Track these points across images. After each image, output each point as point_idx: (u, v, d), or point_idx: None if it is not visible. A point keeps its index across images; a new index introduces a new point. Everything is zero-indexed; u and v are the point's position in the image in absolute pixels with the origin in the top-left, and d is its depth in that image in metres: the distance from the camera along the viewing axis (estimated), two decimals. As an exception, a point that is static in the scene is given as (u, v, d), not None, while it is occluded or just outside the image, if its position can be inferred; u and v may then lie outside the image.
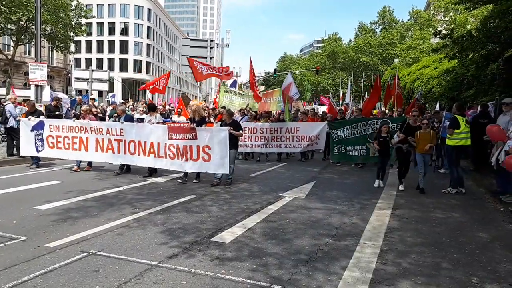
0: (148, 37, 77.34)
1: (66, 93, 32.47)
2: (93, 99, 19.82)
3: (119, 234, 5.23)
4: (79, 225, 5.60)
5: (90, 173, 10.14)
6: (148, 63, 77.94)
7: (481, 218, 6.69)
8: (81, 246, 4.73)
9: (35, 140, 10.52)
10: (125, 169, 10.35)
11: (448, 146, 8.77)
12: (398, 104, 16.02)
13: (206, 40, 19.37)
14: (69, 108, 16.40)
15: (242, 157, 13.93)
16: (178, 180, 9.10)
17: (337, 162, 13.08)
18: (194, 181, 9.22)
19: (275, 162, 13.38)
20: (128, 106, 21.03)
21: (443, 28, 23.08)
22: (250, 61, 16.63)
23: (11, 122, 11.69)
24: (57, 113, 12.52)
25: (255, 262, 4.41)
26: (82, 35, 39.07)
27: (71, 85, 33.67)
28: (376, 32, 68.83)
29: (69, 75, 44.41)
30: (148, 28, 77.36)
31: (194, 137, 8.88)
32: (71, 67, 46.00)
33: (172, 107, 22.80)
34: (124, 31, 75.07)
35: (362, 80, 63.43)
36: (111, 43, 74.75)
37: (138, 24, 75.57)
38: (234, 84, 27.16)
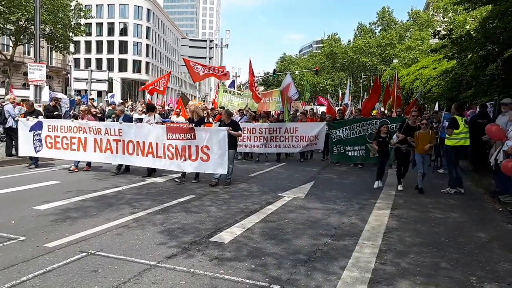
0: (147, 37, 77.34)
1: (65, 94, 32.46)
2: (92, 99, 19.81)
3: (118, 234, 5.23)
4: (78, 225, 5.59)
5: (89, 173, 10.13)
6: (147, 63, 77.94)
7: (480, 218, 6.69)
8: (80, 246, 4.73)
9: (34, 140, 10.50)
10: (124, 169, 10.34)
11: (447, 146, 8.78)
12: (397, 104, 16.02)
13: (205, 41, 19.41)
14: (68, 109, 16.39)
15: (241, 157, 13.93)
16: (176, 180, 9.10)
17: (336, 162, 13.10)
18: (193, 181, 9.21)
19: (274, 162, 13.38)
20: (127, 106, 21.01)
21: (442, 29, 23.11)
22: (250, 61, 16.60)
23: (10, 122, 11.67)
24: (55, 113, 12.52)
25: (254, 262, 4.41)
26: (81, 35, 39.06)
27: (70, 85, 33.69)
28: (375, 32, 68.95)
29: (68, 75, 44.44)
30: (147, 28, 77.36)
31: (192, 137, 8.88)
32: (70, 67, 46.04)
33: (171, 108, 22.80)
34: (123, 32, 75.06)
35: (361, 81, 63.49)
36: (110, 44, 74.73)
37: (137, 24, 75.57)
38: (232, 85, 27.20)
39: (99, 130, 9.90)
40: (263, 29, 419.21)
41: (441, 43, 16.08)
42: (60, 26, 32.31)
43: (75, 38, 38.92)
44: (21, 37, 32.34)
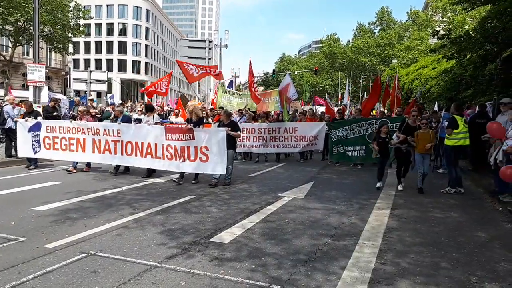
0: (146, 38, 77.35)
1: (65, 94, 32.48)
2: (92, 100, 19.83)
3: (118, 235, 5.23)
4: (78, 225, 5.59)
5: (89, 174, 10.12)
6: (146, 63, 77.94)
7: (479, 218, 6.70)
8: (80, 247, 4.72)
9: (32, 141, 10.49)
10: (124, 170, 10.34)
11: (447, 146, 8.78)
12: (397, 104, 16.01)
13: (205, 41, 19.45)
14: (68, 109, 16.38)
15: (241, 158, 13.93)
16: (174, 179, 9.08)
17: (335, 162, 13.11)
18: (193, 181, 9.21)
19: (274, 162, 13.38)
20: (127, 106, 21.00)
21: (441, 29, 23.15)
22: (250, 62, 16.58)
23: (9, 123, 11.67)
24: (55, 114, 12.50)
25: (254, 262, 4.41)
26: (81, 36, 39.09)
27: (70, 86, 33.64)
28: (375, 32, 68.95)
29: (68, 76, 44.39)
30: (147, 29, 77.37)
31: (191, 138, 8.87)
32: (70, 68, 45.98)
33: (170, 108, 22.80)
34: (123, 32, 75.07)
35: (360, 81, 63.51)
36: (110, 44, 74.72)
37: (137, 25, 75.58)
38: (231, 85, 27.24)
39: (98, 130, 9.89)
40: (262, 29, 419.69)
41: (440, 43, 16.09)
42: (59, 26, 32.30)
43: (74, 39, 38.91)
44: (20, 38, 32.33)
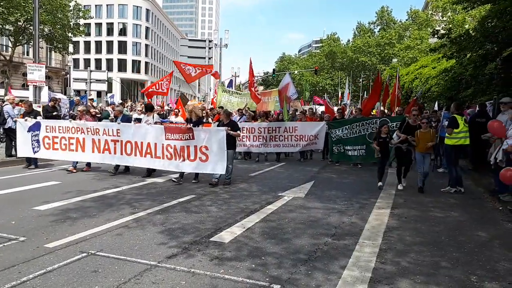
0: (146, 37, 77.33)
1: (65, 94, 32.48)
2: (92, 99, 19.82)
3: (118, 234, 5.23)
4: (78, 225, 5.59)
5: (89, 173, 10.13)
6: (146, 63, 77.94)
7: (480, 217, 6.70)
8: (80, 247, 4.73)
9: (32, 141, 10.48)
10: (124, 170, 10.34)
11: (447, 146, 8.78)
12: (397, 104, 16.00)
13: (205, 41, 19.42)
14: (68, 109, 16.37)
15: (241, 157, 13.93)
16: (173, 179, 9.07)
17: (336, 161, 13.10)
18: (193, 181, 9.21)
19: (274, 162, 13.38)
20: (127, 106, 21.01)
21: (441, 28, 23.14)
22: (250, 62, 16.56)
23: (10, 123, 11.68)
24: (54, 113, 12.49)
25: (254, 261, 4.41)
26: (81, 35, 39.07)
27: (70, 86, 33.63)
28: (375, 32, 68.95)
29: (68, 75, 44.39)
30: (147, 28, 77.36)
31: (191, 138, 8.87)
32: (70, 67, 45.96)
33: (170, 108, 22.80)
34: (123, 32, 75.05)
35: (360, 80, 63.52)
36: (110, 44, 74.72)
37: (137, 24, 75.56)
38: (231, 84, 27.25)
39: (97, 130, 9.89)
40: (262, 28, 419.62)
41: (440, 42, 16.08)
42: (59, 26, 32.29)
43: (74, 39, 38.92)
44: (20, 38, 32.32)
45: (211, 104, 20.97)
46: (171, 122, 12.44)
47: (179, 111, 14.34)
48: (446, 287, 3.92)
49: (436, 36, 15.09)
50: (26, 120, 10.56)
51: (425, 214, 6.80)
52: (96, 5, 72.59)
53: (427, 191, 8.54)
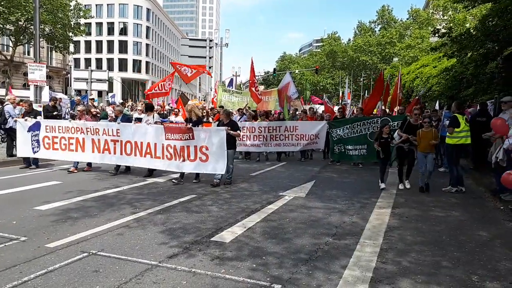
0: (147, 37, 77.34)
1: (66, 94, 32.51)
2: (93, 99, 19.83)
3: (119, 234, 5.24)
4: (79, 225, 5.60)
5: (90, 173, 10.13)
6: (147, 63, 77.95)
7: (481, 217, 6.69)
8: (81, 246, 4.73)
9: (32, 141, 10.49)
10: (125, 169, 10.34)
11: (448, 145, 8.76)
12: (398, 103, 15.96)
13: (205, 40, 19.43)
14: (69, 109, 16.40)
15: (241, 157, 13.92)
16: (173, 180, 9.05)
17: (337, 161, 13.08)
18: (194, 181, 9.21)
19: (274, 161, 13.38)
20: (127, 106, 21.00)
21: (442, 27, 23.09)
22: (252, 62, 16.54)
23: (10, 123, 11.68)
24: (55, 113, 12.50)
25: (255, 261, 4.41)
26: (81, 35, 39.05)
27: (71, 85, 33.67)
28: (375, 31, 68.94)
29: (68, 75, 44.45)
30: (147, 28, 77.35)
31: (191, 138, 8.86)
32: (70, 67, 46.05)
33: (171, 107, 22.81)
34: (123, 31, 75.05)
35: (361, 79, 63.48)
36: (110, 43, 74.73)
37: (137, 24, 75.56)
38: (231, 83, 27.27)
39: (97, 130, 9.88)
40: (262, 28, 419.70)
41: (441, 42, 16.06)
42: (59, 26, 32.30)
43: (74, 38, 38.93)
44: (21, 37, 32.34)
45: (212, 104, 20.98)
46: (171, 122, 12.44)
47: (179, 110, 14.32)
48: (447, 286, 3.92)
49: (437, 35, 15.07)
50: (26, 120, 10.57)
51: (426, 213, 6.79)
52: (96, 5, 72.60)
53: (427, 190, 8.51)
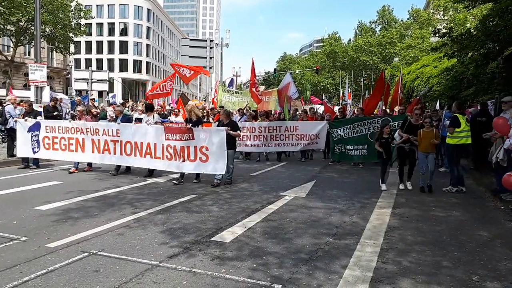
0: (147, 37, 77.40)
1: (66, 94, 32.54)
2: (93, 99, 19.84)
3: (120, 234, 5.24)
4: (80, 225, 5.60)
5: (90, 173, 10.14)
6: (147, 63, 78.00)
7: (481, 217, 6.68)
8: (81, 246, 4.73)
9: (31, 141, 10.49)
10: (125, 170, 10.34)
11: (449, 145, 8.76)
12: (399, 103, 15.94)
13: (206, 40, 19.42)
14: (70, 109, 16.41)
15: (242, 157, 13.92)
16: (174, 181, 9.04)
17: (337, 161, 13.06)
18: (194, 181, 9.21)
19: (275, 161, 13.37)
20: (128, 106, 21.02)
21: (443, 27, 23.08)
22: (252, 62, 16.52)
23: (11, 123, 11.69)
24: (55, 113, 12.50)
25: (256, 261, 4.41)
26: (82, 35, 39.12)
27: (71, 86, 33.69)
28: (376, 31, 68.91)
29: (69, 75, 44.48)
30: (148, 28, 77.41)
31: (191, 138, 8.85)
32: (71, 67, 46.09)
33: (172, 108, 22.82)
34: (124, 32, 75.14)
35: (362, 79, 63.47)
36: (111, 44, 74.81)
37: (138, 24, 75.63)
38: (231, 83, 27.28)
39: (97, 130, 9.88)
40: (262, 28, 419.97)
41: (441, 42, 16.04)
42: (60, 26, 32.35)
43: (75, 39, 38.97)
44: (22, 38, 32.39)
45: (212, 104, 20.99)
46: (172, 122, 12.43)
47: (179, 110, 14.32)
48: (447, 286, 3.92)
49: (437, 35, 15.04)
50: (26, 120, 10.57)
51: (427, 213, 6.79)
52: (97, 5, 72.73)
53: (427, 190, 8.49)
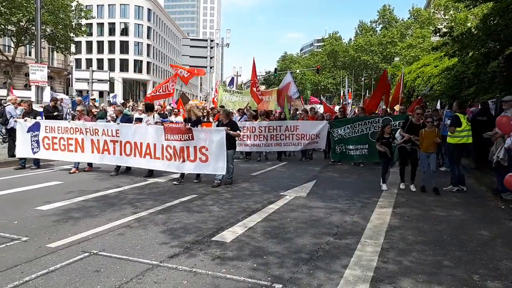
0: (148, 37, 77.40)
1: (67, 94, 32.58)
2: (94, 99, 19.85)
3: (120, 234, 5.24)
4: (80, 225, 5.61)
5: (91, 173, 10.14)
6: (148, 63, 78.02)
7: (482, 216, 6.68)
8: (82, 246, 4.74)
9: (31, 141, 10.49)
10: (125, 169, 10.34)
11: (450, 144, 8.74)
12: (400, 103, 15.92)
13: (206, 40, 19.42)
14: (71, 109, 16.40)
15: (242, 157, 13.92)
16: (174, 182, 9.02)
17: (338, 160, 13.03)
18: (195, 180, 9.21)
19: (275, 161, 13.37)
20: (128, 106, 21.03)
21: (443, 26, 23.04)
22: (253, 62, 16.49)
23: (12, 123, 11.69)
24: (55, 113, 12.51)
25: (256, 261, 4.41)
26: (82, 35, 39.17)
27: (72, 86, 33.72)
28: (376, 30, 68.89)
29: (70, 75, 44.54)
30: (148, 28, 77.43)
31: (190, 138, 8.85)
32: (72, 67, 46.15)
33: (172, 107, 22.82)
34: (124, 32, 75.16)
35: (362, 79, 63.43)
36: (112, 44, 74.83)
37: (138, 24, 75.64)
38: (232, 82, 27.29)
39: (96, 131, 9.87)
40: (262, 28, 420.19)
41: (442, 41, 16.03)
42: (61, 26, 32.40)
43: (76, 39, 39.02)
44: (22, 38, 32.44)
45: (212, 104, 20.98)
46: (171, 122, 12.42)
47: (178, 110, 14.32)
48: (448, 286, 3.92)
49: (438, 34, 15.04)
50: (25, 120, 10.57)
51: (427, 213, 6.78)
52: (98, 5, 72.73)
53: (429, 190, 8.46)
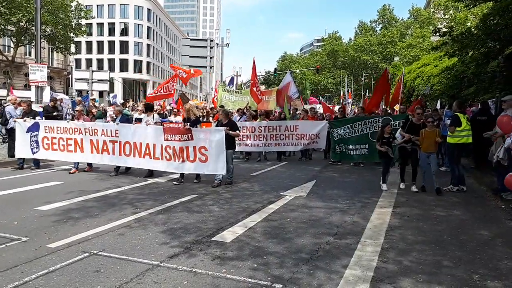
0: (148, 37, 77.37)
1: (67, 94, 32.57)
2: (94, 99, 19.84)
3: (120, 234, 5.24)
4: (80, 225, 5.60)
5: (91, 173, 10.14)
6: (148, 63, 77.99)
7: (482, 216, 6.68)
8: (82, 247, 4.74)
9: (31, 141, 10.48)
10: (125, 169, 10.34)
11: (449, 144, 8.74)
12: (400, 102, 15.91)
13: (206, 40, 19.40)
14: (70, 109, 16.40)
15: (242, 157, 13.91)
16: (174, 183, 9.02)
17: (337, 160, 13.03)
18: (195, 180, 9.21)
19: (275, 161, 13.37)
20: (128, 106, 21.02)
21: (443, 26, 23.05)
22: (254, 62, 16.48)
23: (12, 123, 11.69)
24: (55, 113, 12.50)
25: (256, 261, 4.41)
26: (82, 35, 39.14)
27: (72, 86, 33.72)
28: (376, 30, 68.89)
29: (70, 76, 44.53)
30: (148, 28, 77.40)
31: (190, 138, 8.84)
32: (72, 68, 46.14)
33: (172, 107, 22.80)
34: (124, 32, 75.13)
35: (362, 79, 63.43)
36: (111, 44, 74.80)
37: (138, 24, 75.61)
38: (231, 82, 27.29)
39: (95, 131, 9.87)
40: (262, 28, 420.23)
41: (442, 41, 16.05)
42: (60, 26, 32.39)
43: (76, 39, 38.99)
44: (22, 38, 32.43)
45: (212, 104, 20.99)
46: (171, 122, 12.42)
47: (178, 110, 14.32)
48: (448, 286, 3.92)
49: (438, 34, 15.05)
50: (25, 120, 10.56)
51: (427, 213, 6.78)
52: (97, 5, 72.70)
53: (429, 190, 8.46)
